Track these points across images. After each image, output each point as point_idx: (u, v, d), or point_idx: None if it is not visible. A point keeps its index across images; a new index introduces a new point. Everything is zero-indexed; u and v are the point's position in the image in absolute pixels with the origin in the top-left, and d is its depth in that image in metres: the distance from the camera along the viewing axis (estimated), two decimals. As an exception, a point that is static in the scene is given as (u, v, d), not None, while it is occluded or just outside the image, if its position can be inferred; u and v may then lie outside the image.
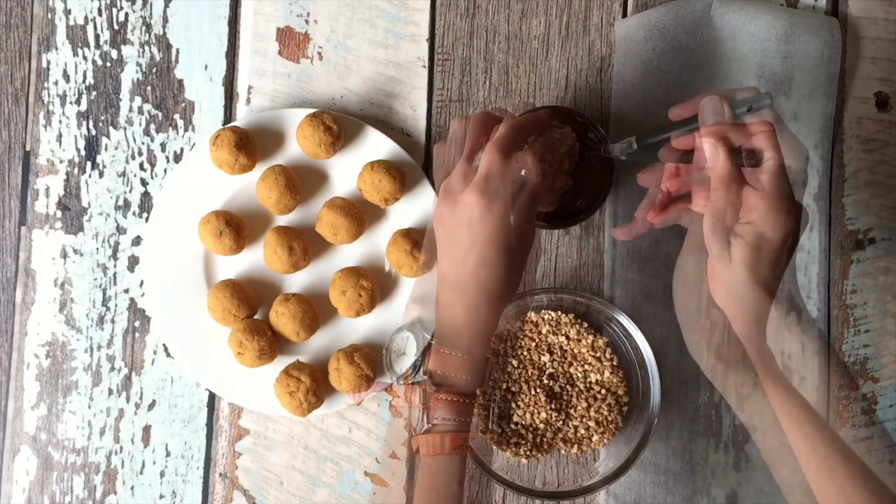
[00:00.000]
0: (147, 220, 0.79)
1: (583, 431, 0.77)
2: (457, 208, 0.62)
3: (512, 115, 0.66)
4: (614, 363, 0.77)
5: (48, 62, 0.80)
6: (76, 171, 0.79)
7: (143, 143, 0.79)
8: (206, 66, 0.80)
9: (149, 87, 0.80)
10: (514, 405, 0.77)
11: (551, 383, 0.77)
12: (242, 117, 0.79)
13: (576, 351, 0.78)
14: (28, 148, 0.80)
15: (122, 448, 0.78)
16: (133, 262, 0.79)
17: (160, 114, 0.80)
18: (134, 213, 0.79)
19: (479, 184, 0.61)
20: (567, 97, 0.80)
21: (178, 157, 0.79)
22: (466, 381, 0.63)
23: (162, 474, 0.78)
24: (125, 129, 0.79)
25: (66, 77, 0.79)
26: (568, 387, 0.77)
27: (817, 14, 0.80)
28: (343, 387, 0.74)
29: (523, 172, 0.64)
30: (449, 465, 0.63)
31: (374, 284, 0.75)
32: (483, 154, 0.63)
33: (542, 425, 0.77)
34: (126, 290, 0.79)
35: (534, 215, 0.65)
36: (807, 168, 0.64)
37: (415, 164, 0.77)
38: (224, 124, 0.80)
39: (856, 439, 0.78)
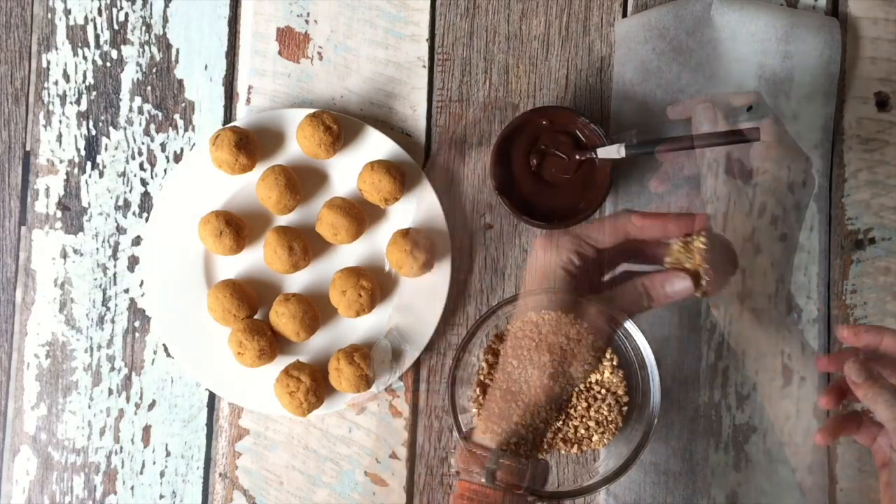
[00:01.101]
0: (147, 220, 0.79)
1: (583, 431, 0.77)
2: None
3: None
4: (614, 363, 0.77)
5: (48, 62, 0.80)
6: (76, 171, 0.79)
7: (143, 143, 0.79)
8: (206, 66, 0.80)
9: (149, 87, 0.80)
10: (513, 405, 0.77)
11: (551, 383, 0.77)
12: (242, 117, 0.79)
13: (576, 351, 0.78)
14: (28, 148, 0.80)
15: (122, 448, 0.78)
16: (133, 262, 0.79)
17: (160, 114, 0.80)
18: (134, 213, 0.79)
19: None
20: (567, 97, 0.80)
21: (178, 157, 0.79)
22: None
23: (162, 474, 0.78)
24: (125, 129, 0.79)
25: (66, 77, 0.79)
26: (568, 387, 0.77)
27: (817, 14, 0.80)
28: (343, 387, 0.74)
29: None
30: None
31: (374, 284, 0.75)
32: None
33: (542, 425, 0.77)
34: (126, 290, 0.79)
35: None
36: (812, 171, 0.64)
37: (415, 164, 0.77)
38: (224, 124, 0.80)
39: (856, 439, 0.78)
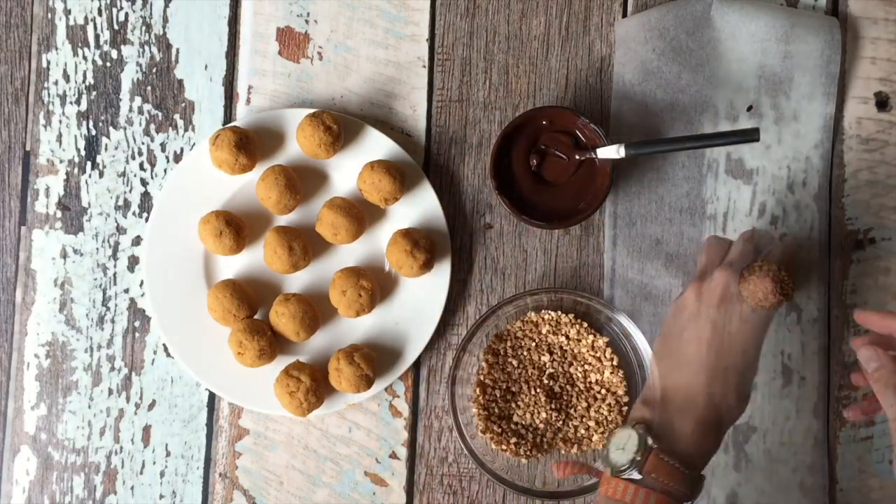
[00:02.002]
0: (147, 220, 0.79)
1: (583, 431, 0.77)
2: (691, 323, 0.65)
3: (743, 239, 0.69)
4: (614, 363, 0.77)
5: (48, 62, 0.80)
6: (76, 171, 0.79)
7: (143, 143, 0.79)
8: (206, 66, 0.80)
9: (149, 87, 0.80)
10: (514, 405, 0.77)
11: (551, 383, 0.77)
12: (242, 117, 0.79)
13: (576, 351, 0.78)
14: (28, 148, 0.80)
15: (122, 448, 0.78)
16: (133, 262, 0.79)
17: (160, 114, 0.80)
18: (134, 213, 0.79)
19: (714, 299, 0.65)
20: (567, 97, 0.80)
21: (178, 157, 0.79)
22: (682, 493, 0.62)
23: (162, 474, 0.78)
24: (125, 129, 0.79)
25: (66, 77, 0.79)
26: (568, 387, 0.77)
27: (817, 14, 0.80)
28: (343, 387, 0.74)
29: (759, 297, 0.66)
30: None
31: (374, 284, 0.75)
32: (716, 273, 0.66)
33: (542, 425, 0.77)
34: (126, 290, 0.79)
35: (761, 345, 0.67)
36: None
37: (415, 164, 0.77)
38: (224, 124, 0.80)
39: (856, 439, 0.78)
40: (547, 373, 0.77)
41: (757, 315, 0.66)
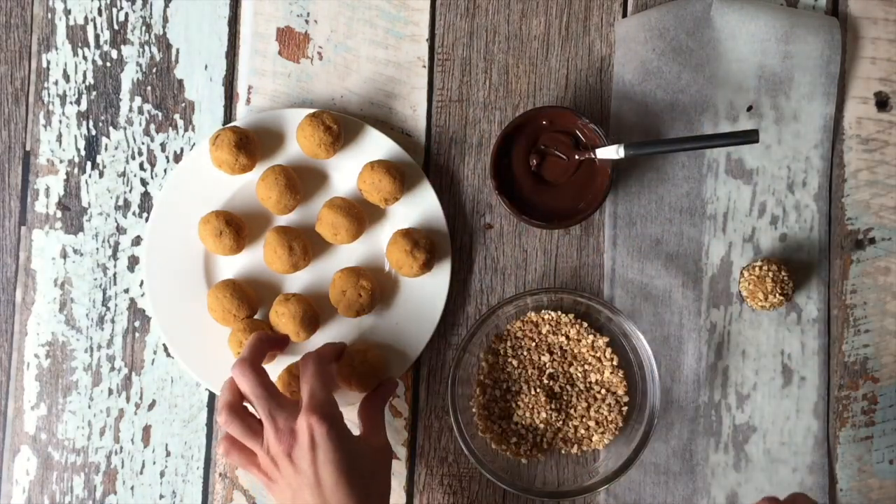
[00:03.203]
0: (147, 220, 0.79)
1: (583, 431, 0.77)
2: (292, 467, 0.65)
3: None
4: (614, 363, 0.77)
5: (48, 62, 0.80)
6: (76, 171, 0.79)
7: (143, 143, 0.79)
8: (206, 66, 0.80)
9: (149, 87, 0.80)
10: (514, 405, 0.77)
11: (551, 383, 0.77)
12: (242, 117, 0.79)
13: (576, 351, 0.78)
14: (28, 148, 0.80)
15: (122, 448, 0.78)
16: (133, 262, 0.79)
17: (160, 114, 0.80)
18: (134, 213, 0.79)
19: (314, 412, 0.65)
20: (567, 97, 0.80)
21: (178, 157, 0.79)
22: None
23: (162, 474, 0.78)
24: (125, 129, 0.79)
25: (66, 77, 0.79)
26: (568, 387, 0.77)
27: (817, 14, 0.80)
28: (353, 386, 0.74)
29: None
30: None
31: (374, 284, 0.75)
32: (302, 379, 0.67)
33: (542, 425, 0.77)
34: (126, 290, 0.79)
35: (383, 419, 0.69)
36: None
37: (415, 164, 0.77)
38: (224, 124, 0.80)
39: (856, 439, 0.78)
40: (547, 373, 0.77)
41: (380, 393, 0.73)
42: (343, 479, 0.64)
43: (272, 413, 0.65)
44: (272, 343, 0.72)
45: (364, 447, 0.68)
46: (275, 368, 0.75)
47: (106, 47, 0.80)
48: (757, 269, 0.77)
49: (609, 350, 0.77)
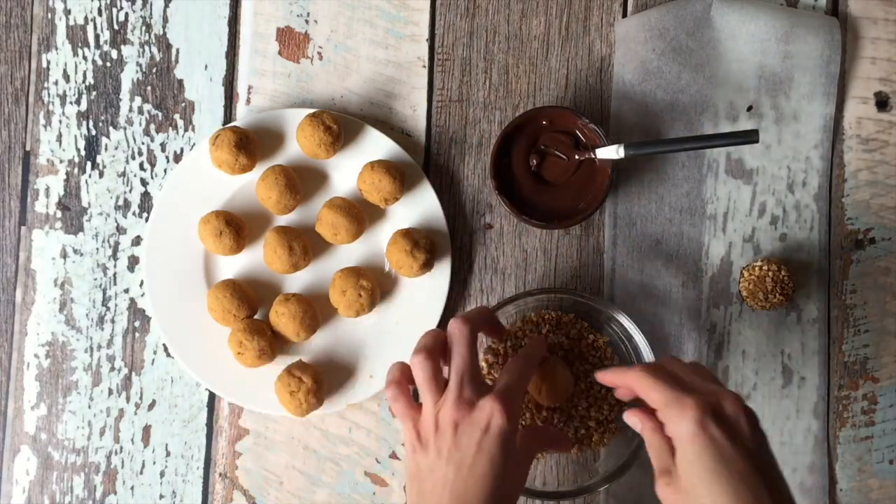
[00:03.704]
0: (147, 220, 0.79)
1: (583, 431, 0.77)
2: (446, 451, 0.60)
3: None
4: (614, 363, 0.77)
5: (48, 62, 0.80)
6: (76, 171, 0.79)
7: (143, 143, 0.79)
8: (206, 66, 0.80)
9: (149, 87, 0.80)
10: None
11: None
12: (242, 117, 0.79)
13: (576, 351, 0.78)
14: (28, 148, 0.80)
15: (122, 448, 0.78)
16: (133, 262, 0.79)
17: (160, 114, 0.80)
18: (134, 213, 0.79)
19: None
20: (567, 97, 0.80)
21: (178, 157, 0.79)
22: None
23: (162, 474, 0.78)
24: (125, 129, 0.79)
25: (66, 77, 0.79)
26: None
27: (817, 14, 0.80)
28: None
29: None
30: None
31: (374, 284, 0.75)
32: (506, 368, 0.64)
33: (542, 425, 0.76)
34: (126, 290, 0.79)
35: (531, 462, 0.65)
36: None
37: (415, 164, 0.77)
38: (224, 124, 0.80)
39: (856, 439, 0.78)
40: (547, 373, 0.77)
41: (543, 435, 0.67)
42: (490, 475, 0.59)
43: (464, 379, 0.61)
44: (491, 324, 0.69)
45: (519, 470, 0.63)
46: (275, 368, 0.75)
47: (106, 47, 0.80)
48: (757, 269, 0.77)
49: (609, 350, 0.77)
